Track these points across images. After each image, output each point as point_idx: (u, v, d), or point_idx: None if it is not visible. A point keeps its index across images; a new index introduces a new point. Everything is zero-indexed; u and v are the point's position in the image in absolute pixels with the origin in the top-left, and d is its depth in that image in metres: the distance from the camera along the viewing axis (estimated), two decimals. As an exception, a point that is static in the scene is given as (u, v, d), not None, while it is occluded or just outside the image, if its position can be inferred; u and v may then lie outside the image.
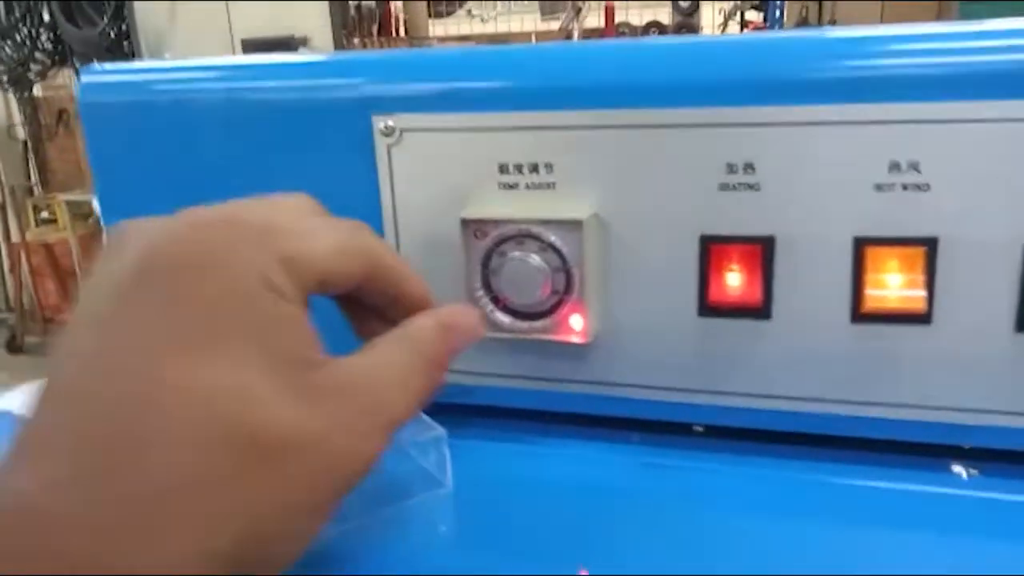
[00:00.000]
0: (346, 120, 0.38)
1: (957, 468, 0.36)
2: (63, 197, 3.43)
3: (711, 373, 0.37)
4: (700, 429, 0.40)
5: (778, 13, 2.55)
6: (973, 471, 0.36)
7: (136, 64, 0.43)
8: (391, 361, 0.26)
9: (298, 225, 0.26)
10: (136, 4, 3.00)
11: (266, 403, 0.22)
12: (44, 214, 3.70)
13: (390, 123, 0.38)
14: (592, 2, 3.36)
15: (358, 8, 2.99)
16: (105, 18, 3.05)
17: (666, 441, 0.40)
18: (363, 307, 0.30)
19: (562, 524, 0.33)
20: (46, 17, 3.24)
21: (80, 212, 3.44)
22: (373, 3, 3.09)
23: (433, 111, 0.37)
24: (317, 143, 0.39)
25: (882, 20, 2.34)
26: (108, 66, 0.44)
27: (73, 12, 3.14)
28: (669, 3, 3.13)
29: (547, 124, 0.36)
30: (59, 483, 0.20)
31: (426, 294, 0.31)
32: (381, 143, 0.38)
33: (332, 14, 2.83)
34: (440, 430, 0.35)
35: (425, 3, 3.77)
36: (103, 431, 0.20)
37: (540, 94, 0.36)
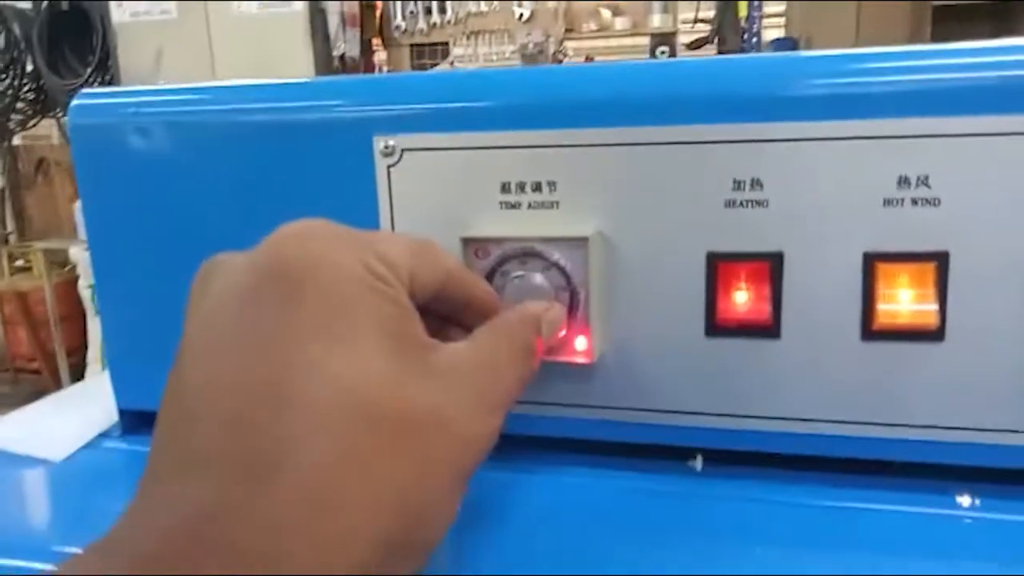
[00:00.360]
0: (346, 140, 0.38)
1: (962, 499, 0.35)
2: (40, 245, 3.39)
3: (719, 395, 0.36)
4: (697, 465, 0.39)
5: (755, 27, 2.60)
6: (976, 501, 0.35)
7: (129, 87, 0.43)
8: (494, 347, 0.28)
9: (379, 235, 0.27)
10: (120, 54, 3.02)
11: (401, 385, 0.23)
12: (19, 262, 3.66)
13: (391, 143, 0.37)
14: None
15: (341, 58, 3.02)
16: (89, 69, 3.06)
17: (668, 468, 0.39)
18: (436, 318, 0.31)
19: (557, 556, 0.32)
20: (29, 67, 3.25)
21: (56, 260, 3.40)
22: (357, 55, 3.13)
23: (434, 130, 0.37)
24: (315, 164, 0.38)
25: (857, 40, 2.40)
26: (100, 90, 0.43)
27: (57, 62, 3.15)
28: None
29: (550, 142, 0.36)
30: (229, 486, 0.20)
31: (494, 297, 0.33)
32: (381, 163, 0.37)
33: (316, 64, 2.86)
34: None
35: (408, 54, 3.83)
36: (255, 430, 0.21)
37: (542, 112, 0.36)
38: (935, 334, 0.33)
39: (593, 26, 3.92)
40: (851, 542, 0.33)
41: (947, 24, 2.32)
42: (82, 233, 3.07)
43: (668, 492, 0.37)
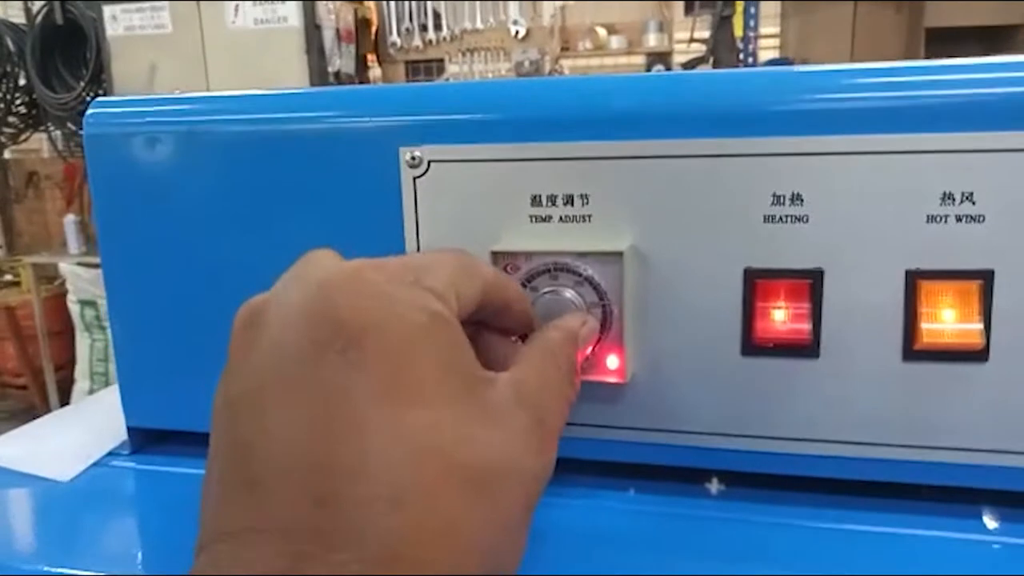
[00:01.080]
0: (370, 151, 0.37)
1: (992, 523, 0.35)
2: (29, 260, 3.36)
3: (754, 416, 0.35)
4: (715, 489, 0.38)
5: (751, 47, 2.61)
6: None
7: (147, 96, 0.41)
8: (543, 373, 0.27)
9: (416, 261, 0.26)
10: (114, 68, 3.01)
11: (471, 436, 0.23)
12: (8, 276, 3.62)
13: (417, 154, 0.36)
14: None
15: (336, 76, 3.02)
16: (83, 82, 3.05)
17: (703, 492, 0.37)
18: (470, 323, 0.30)
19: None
20: (22, 81, 3.23)
21: (45, 275, 3.36)
22: (352, 71, 3.13)
23: (462, 142, 0.36)
24: (338, 175, 0.37)
25: (852, 60, 2.41)
26: (116, 98, 0.42)
27: (50, 76, 3.14)
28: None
29: (583, 154, 0.35)
30: (306, 555, 0.20)
31: (527, 302, 0.32)
32: (407, 175, 0.36)
33: (311, 80, 2.85)
34: None
35: (403, 71, 3.83)
36: (334, 502, 0.20)
37: (575, 123, 0.35)
38: (979, 354, 0.32)
39: (589, 45, 3.94)
40: (885, 567, 0.32)
41: (941, 45, 2.34)
42: (72, 248, 3.05)
43: (702, 517, 0.36)
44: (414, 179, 0.36)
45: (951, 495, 0.35)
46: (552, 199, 0.35)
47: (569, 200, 0.35)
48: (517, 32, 3.72)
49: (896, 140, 0.32)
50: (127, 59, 3.03)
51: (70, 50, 3.13)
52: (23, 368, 3.47)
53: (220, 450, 0.23)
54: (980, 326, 0.32)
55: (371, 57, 3.53)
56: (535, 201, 0.36)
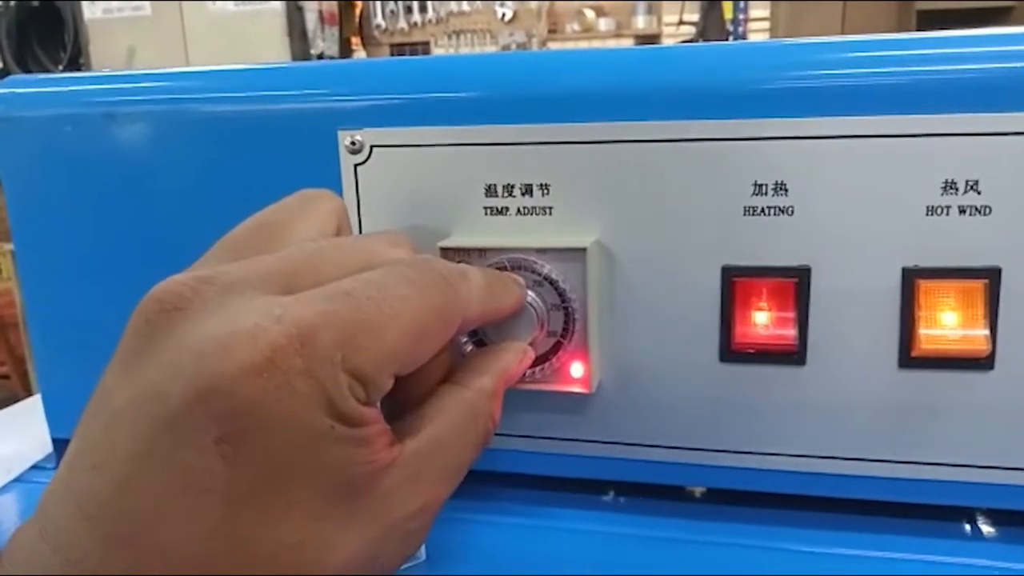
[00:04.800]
0: (306, 134, 0.33)
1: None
2: (8, 247, 3.30)
3: (734, 429, 0.32)
4: (698, 493, 0.35)
5: (741, 29, 2.58)
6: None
7: (65, 75, 0.37)
8: (451, 444, 0.24)
9: (367, 306, 0.21)
10: (92, 48, 2.95)
11: (335, 547, 0.20)
12: (-12, 264, 3.56)
13: (357, 138, 0.32)
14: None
15: (320, 57, 2.96)
16: (60, 66, 2.99)
17: (674, 509, 0.34)
18: None
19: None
20: (-1, 63, 3.17)
21: (26, 263, 3.31)
22: (335, 54, 3.08)
23: (408, 124, 0.32)
24: (270, 162, 0.34)
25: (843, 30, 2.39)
26: (30, 77, 0.38)
27: (27, 60, 3.07)
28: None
29: (542, 139, 0.31)
30: None
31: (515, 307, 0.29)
32: (347, 161, 0.33)
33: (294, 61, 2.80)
34: None
35: (388, 54, 3.77)
36: None
37: (533, 104, 0.31)
38: (984, 361, 0.29)
39: (576, 27, 3.89)
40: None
41: (932, 28, 2.31)
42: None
43: (676, 540, 0.33)
44: (355, 166, 0.33)
45: (951, 515, 0.32)
46: (509, 189, 0.32)
47: (527, 190, 0.31)
48: (504, 14, 3.66)
49: (892, 122, 0.28)
50: (105, 42, 2.97)
51: (47, 33, 3.06)
52: (4, 357, 3.42)
53: (71, 508, 0.19)
54: (985, 331, 0.29)
55: (355, 40, 3.47)
56: (490, 191, 0.32)
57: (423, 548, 0.30)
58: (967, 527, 0.33)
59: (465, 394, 0.25)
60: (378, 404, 0.22)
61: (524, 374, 0.31)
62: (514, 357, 0.28)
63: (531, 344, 0.31)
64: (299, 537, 0.19)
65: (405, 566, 0.30)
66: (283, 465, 0.19)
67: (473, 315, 0.25)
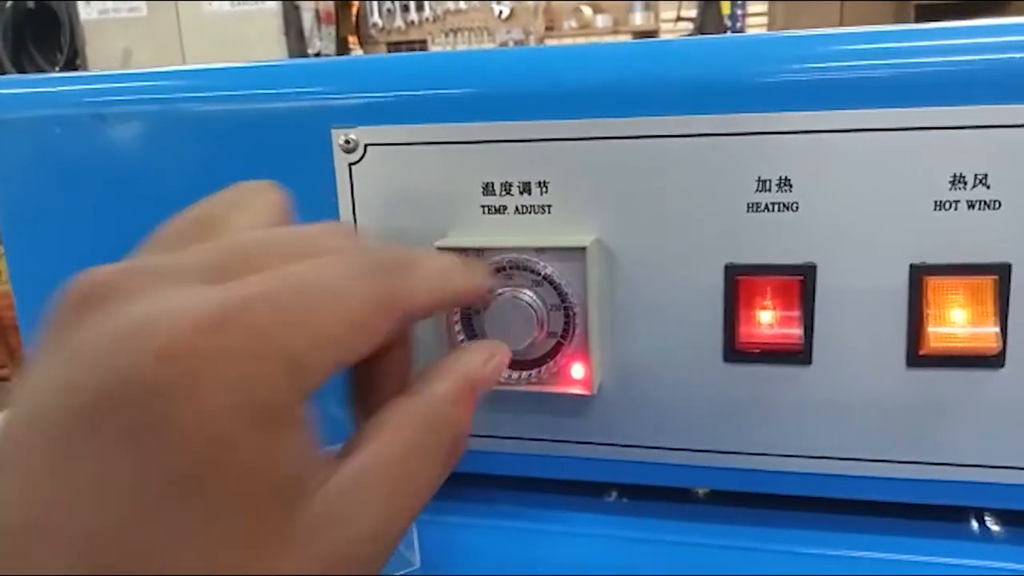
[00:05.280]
0: (299, 133, 0.32)
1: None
2: (7, 250, 3.29)
3: (738, 430, 0.31)
4: (702, 495, 0.34)
5: (739, 25, 2.57)
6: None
7: (54, 75, 0.37)
8: (403, 458, 0.21)
9: (302, 291, 0.19)
10: (88, 51, 2.94)
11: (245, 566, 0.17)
12: (-14, 267, 3.56)
13: (352, 136, 0.32)
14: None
15: (316, 56, 2.96)
16: (57, 68, 2.98)
17: (681, 512, 0.33)
18: None
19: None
20: (-6, 65, 3.16)
21: (25, 265, 3.30)
22: (332, 52, 3.07)
23: (403, 122, 0.31)
24: (263, 162, 0.33)
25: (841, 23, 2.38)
26: (20, 77, 0.37)
27: (23, 62, 3.06)
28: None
29: (541, 135, 0.30)
30: None
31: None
32: (341, 160, 0.32)
33: (291, 63, 2.79)
34: None
35: (385, 52, 3.76)
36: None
37: (531, 100, 0.30)
38: (994, 360, 0.28)
39: (574, 24, 3.88)
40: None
41: (930, 21, 2.30)
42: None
43: (680, 542, 0.32)
44: (349, 165, 0.32)
45: (959, 516, 0.32)
46: (507, 187, 0.31)
47: (526, 188, 0.31)
48: (501, 12, 3.65)
49: (899, 115, 0.27)
50: (101, 43, 2.96)
51: (43, 34, 3.05)
52: (5, 359, 3.41)
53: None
54: (995, 328, 0.28)
55: (352, 39, 3.46)
56: (487, 189, 0.31)
57: (417, 556, 0.30)
58: (975, 527, 0.32)
59: (417, 403, 0.22)
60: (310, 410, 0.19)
61: (513, 376, 0.31)
62: (480, 357, 0.24)
63: (531, 344, 0.30)
64: (221, 562, 0.17)
65: (399, 574, 0.29)
66: (199, 467, 0.17)
67: (420, 304, 0.22)
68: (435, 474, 0.22)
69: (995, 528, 0.32)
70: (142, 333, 0.17)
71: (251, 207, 0.24)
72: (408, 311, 0.22)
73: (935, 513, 0.32)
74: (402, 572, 0.29)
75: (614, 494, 0.35)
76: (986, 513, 0.32)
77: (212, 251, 0.20)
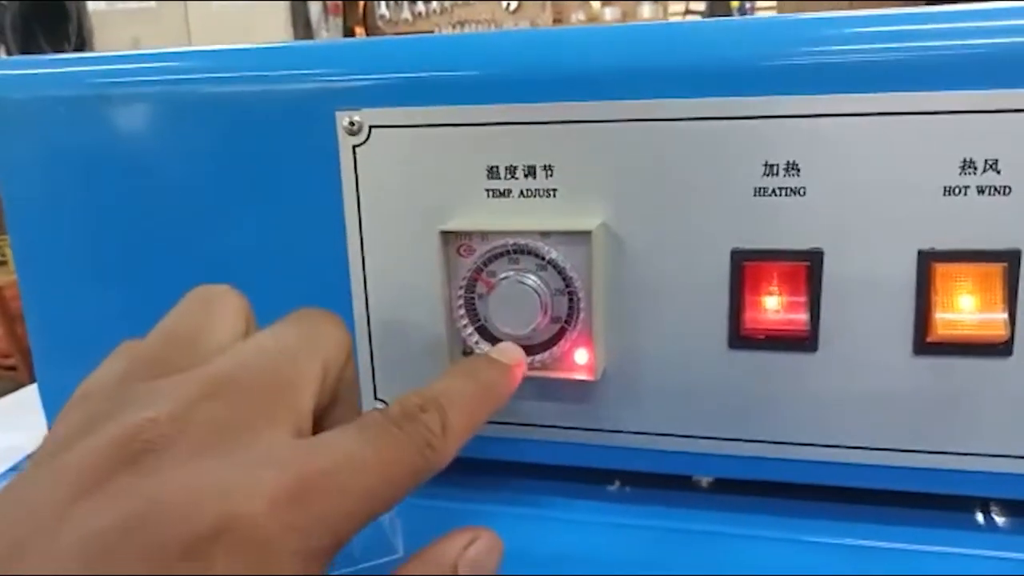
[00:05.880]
0: (303, 116, 0.32)
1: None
2: (14, 239, 3.30)
3: (743, 417, 0.31)
4: (705, 483, 0.34)
5: (747, 4, 2.55)
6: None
7: (57, 56, 0.37)
8: None
9: (351, 472, 0.20)
10: (97, 43, 2.94)
11: None
12: (-5, 256, 3.57)
13: (356, 118, 0.31)
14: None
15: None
16: (64, 57, 2.98)
17: (685, 500, 0.33)
18: None
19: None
20: (3, 56, 3.16)
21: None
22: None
23: (407, 104, 0.31)
24: (268, 144, 0.33)
25: None
26: (22, 59, 0.37)
27: (32, 51, 3.07)
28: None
29: (546, 118, 0.30)
30: None
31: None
32: (345, 143, 0.32)
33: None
34: None
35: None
36: None
37: (537, 82, 0.30)
38: (1003, 347, 0.28)
39: (582, 17, 3.86)
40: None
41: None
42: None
43: (683, 530, 0.32)
44: (354, 148, 0.32)
45: (963, 505, 0.31)
46: (511, 170, 0.31)
47: (531, 171, 0.31)
48: (508, 4, 3.64)
49: (908, 99, 0.27)
50: (110, 34, 2.97)
51: (52, 25, 3.05)
52: (12, 349, 3.42)
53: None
54: (1004, 315, 0.28)
55: (359, 30, 3.45)
56: (492, 173, 0.31)
57: (400, 544, 0.30)
58: (981, 517, 0.32)
59: None
60: None
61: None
62: (460, 542, 0.23)
63: (535, 329, 0.30)
64: None
65: (381, 560, 0.29)
66: None
67: (449, 457, 0.24)
68: None
69: (1000, 518, 0.32)
70: (229, 501, 0.18)
71: (219, 319, 0.24)
72: (440, 464, 0.23)
73: (940, 502, 0.31)
74: (384, 559, 0.29)
75: (617, 483, 0.35)
76: (992, 503, 0.32)
77: (233, 388, 0.21)
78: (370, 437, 0.21)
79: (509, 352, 0.29)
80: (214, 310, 0.24)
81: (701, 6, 2.86)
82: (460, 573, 0.22)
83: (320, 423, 0.23)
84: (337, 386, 0.24)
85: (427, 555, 0.23)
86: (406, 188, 0.32)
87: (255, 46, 0.33)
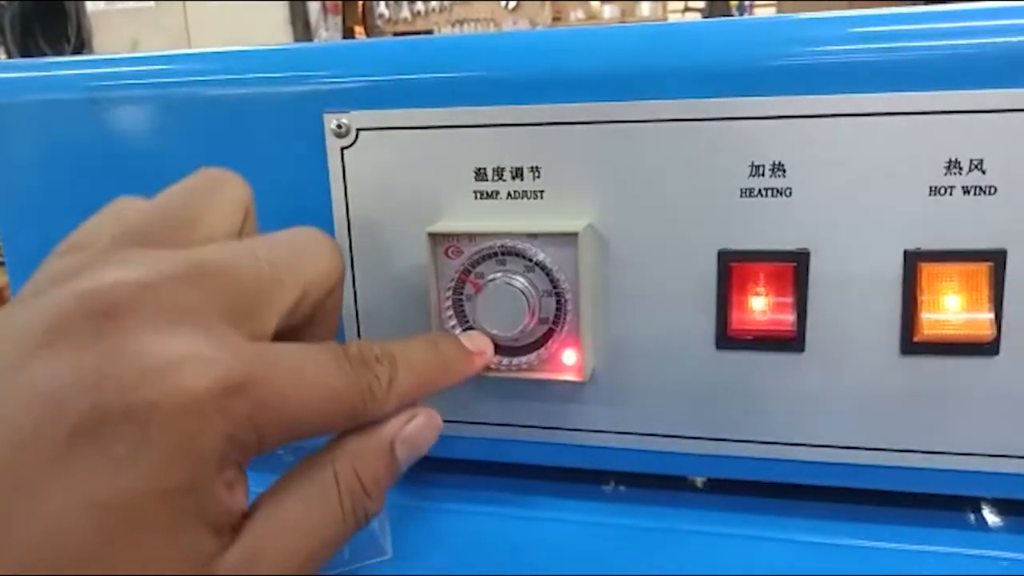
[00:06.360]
0: (291, 118, 0.32)
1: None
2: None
3: (731, 417, 0.31)
4: (699, 483, 0.34)
5: (747, 2, 2.55)
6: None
7: (50, 60, 0.37)
8: (295, 525, 0.22)
9: (295, 375, 0.21)
10: (96, 43, 2.94)
11: None
12: (-5, 258, 3.57)
13: (344, 121, 0.31)
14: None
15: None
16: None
17: (672, 499, 0.33)
18: None
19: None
20: (2, 57, 3.16)
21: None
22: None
23: (395, 106, 0.31)
24: (256, 146, 0.33)
25: None
26: (16, 62, 0.37)
27: (30, 52, 3.07)
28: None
29: (533, 120, 0.30)
30: None
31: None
32: (333, 145, 0.32)
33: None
34: None
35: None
36: None
37: (524, 84, 0.30)
38: (989, 347, 0.28)
39: (581, 15, 3.87)
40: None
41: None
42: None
43: (678, 530, 0.32)
44: (341, 150, 0.32)
45: (953, 504, 0.32)
46: (499, 172, 0.31)
47: (518, 173, 0.31)
48: (507, 3, 3.64)
49: (893, 100, 0.27)
50: (109, 34, 2.96)
51: (51, 25, 3.05)
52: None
53: None
54: (990, 315, 0.28)
55: (358, 29, 3.45)
56: (479, 175, 0.31)
57: (389, 545, 0.30)
58: (972, 517, 0.32)
59: (324, 462, 0.23)
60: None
61: (505, 362, 0.31)
62: (402, 418, 0.25)
63: (523, 331, 0.30)
64: (135, 566, 0.18)
65: (370, 561, 0.29)
66: (125, 511, 0.18)
67: (387, 412, 0.24)
68: (331, 537, 0.23)
69: (990, 517, 0.32)
70: (174, 374, 0.19)
71: (221, 206, 0.25)
72: (372, 418, 0.24)
73: (929, 501, 0.31)
74: (372, 560, 0.29)
75: (612, 483, 0.35)
76: (983, 502, 0.32)
77: (210, 279, 0.21)
78: (322, 361, 0.22)
79: (477, 340, 0.30)
80: (217, 197, 0.25)
81: (700, 4, 2.86)
82: (396, 450, 0.24)
83: (290, 340, 0.24)
84: (315, 311, 0.25)
85: (368, 430, 0.24)
86: (394, 190, 0.32)
87: (244, 49, 0.33)
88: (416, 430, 0.25)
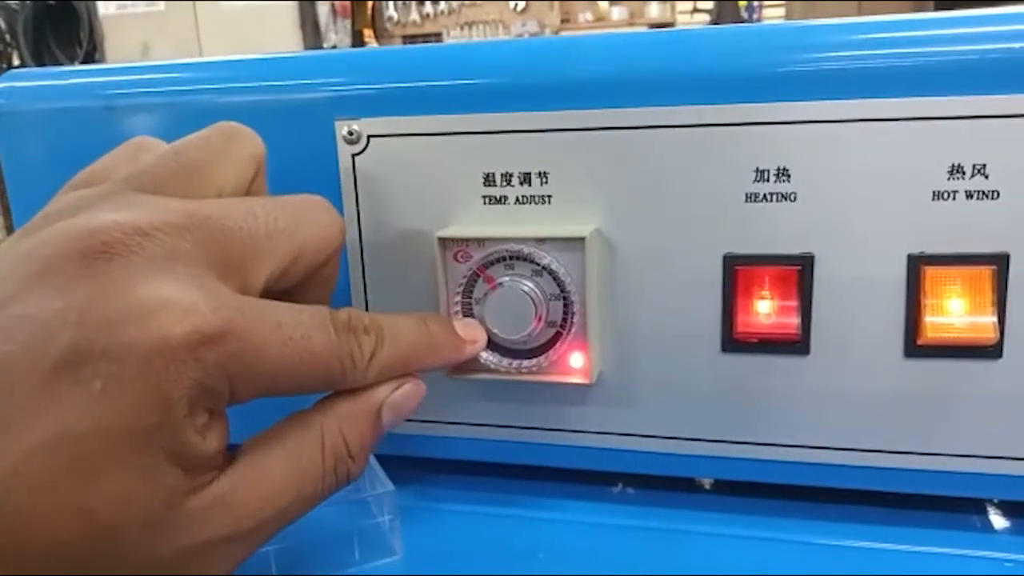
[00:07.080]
0: (302, 125, 0.33)
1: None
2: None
3: (736, 419, 0.31)
4: (707, 484, 0.34)
5: (755, 17, 2.56)
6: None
7: (65, 68, 0.37)
8: (273, 475, 0.23)
9: (277, 330, 0.22)
10: (108, 47, 2.96)
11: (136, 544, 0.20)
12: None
13: (355, 127, 0.32)
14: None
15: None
16: (76, 62, 3.01)
17: (680, 501, 0.34)
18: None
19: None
20: (15, 61, 3.19)
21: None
22: (348, 46, 3.08)
23: (405, 113, 0.32)
24: (269, 152, 0.33)
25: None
26: (31, 70, 0.38)
27: (43, 56, 3.09)
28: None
29: (540, 126, 0.31)
30: None
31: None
32: (344, 151, 0.32)
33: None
34: (389, 486, 0.30)
35: (400, 46, 3.77)
36: None
37: (532, 91, 0.31)
38: (992, 350, 0.28)
39: (589, 16, 3.87)
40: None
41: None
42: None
43: (686, 531, 0.32)
44: (352, 156, 0.32)
45: (960, 507, 0.32)
46: (507, 178, 0.31)
47: (526, 179, 0.31)
48: (516, 5, 3.64)
49: (897, 105, 0.28)
50: (120, 38, 2.99)
51: (63, 29, 3.08)
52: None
53: None
54: (993, 318, 0.28)
55: (368, 32, 3.47)
56: (488, 180, 0.31)
57: (399, 545, 0.30)
58: (977, 519, 0.32)
59: (311, 420, 0.24)
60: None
61: (513, 365, 0.31)
62: (390, 385, 0.26)
63: (530, 334, 0.30)
64: (106, 523, 0.19)
65: (380, 561, 0.30)
66: (112, 437, 0.19)
67: (366, 383, 0.25)
68: (309, 493, 0.23)
69: (995, 519, 0.32)
70: (154, 316, 0.19)
71: (232, 160, 0.26)
72: (354, 383, 0.24)
73: (934, 503, 0.32)
74: (382, 560, 0.30)
75: (620, 485, 0.35)
76: (988, 504, 0.32)
77: (205, 231, 0.22)
78: (304, 321, 0.23)
79: (469, 328, 0.30)
80: (230, 152, 0.26)
81: (709, 4, 2.86)
82: (383, 415, 0.25)
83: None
84: (308, 277, 0.26)
85: (358, 394, 0.25)
86: (404, 196, 0.32)
87: (256, 57, 0.34)
88: (403, 397, 0.26)
